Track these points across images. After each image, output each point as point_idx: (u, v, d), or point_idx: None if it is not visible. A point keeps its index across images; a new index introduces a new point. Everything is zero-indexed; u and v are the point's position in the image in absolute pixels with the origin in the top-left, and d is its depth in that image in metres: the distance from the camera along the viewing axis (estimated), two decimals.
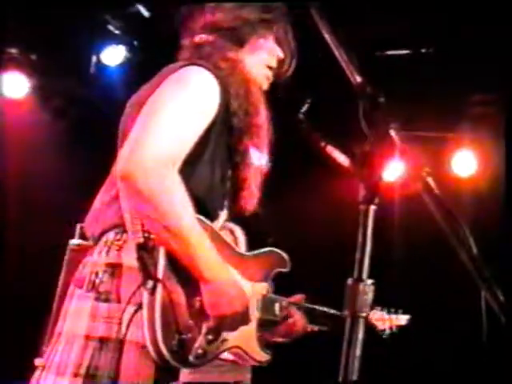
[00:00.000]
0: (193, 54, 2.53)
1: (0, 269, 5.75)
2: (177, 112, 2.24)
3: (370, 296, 1.51)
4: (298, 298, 2.91)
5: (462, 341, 5.65)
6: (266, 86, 2.66)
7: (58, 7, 5.24)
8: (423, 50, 5.69)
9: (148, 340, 2.11)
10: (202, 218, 2.28)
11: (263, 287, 2.61)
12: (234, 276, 2.37)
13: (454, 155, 6.39)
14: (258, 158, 2.55)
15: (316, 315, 3.03)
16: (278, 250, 2.69)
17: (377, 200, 1.53)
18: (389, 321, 4.19)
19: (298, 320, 2.85)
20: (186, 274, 2.20)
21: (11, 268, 5.82)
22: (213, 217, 2.37)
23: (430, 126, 6.07)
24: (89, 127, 6.26)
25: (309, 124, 2.68)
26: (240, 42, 2.56)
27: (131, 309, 2.14)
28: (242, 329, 2.42)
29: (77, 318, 2.24)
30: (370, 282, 1.52)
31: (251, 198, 2.58)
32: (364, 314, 1.49)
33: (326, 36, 1.63)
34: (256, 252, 2.61)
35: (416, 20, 5.22)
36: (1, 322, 5.48)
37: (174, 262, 2.18)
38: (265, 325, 2.65)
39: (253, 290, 2.51)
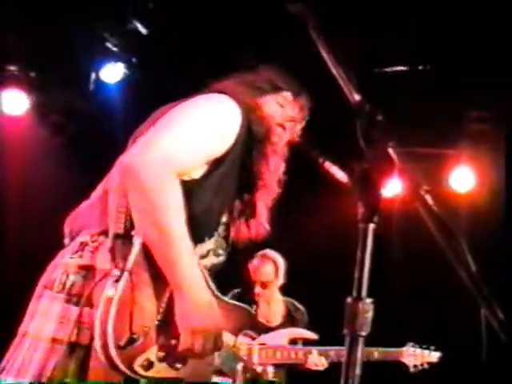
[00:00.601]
0: (217, 87, 2.53)
1: None
2: (196, 128, 2.25)
3: (369, 315, 1.50)
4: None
5: (462, 358, 5.62)
6: (279, 143, 2.60)
7: (56, 25, 5.27)
8: (421, 67, 5.71)
9: (98, 331, 2.03)
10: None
11: (230, 338, 2.47)
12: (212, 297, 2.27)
13: (452, 171, 6.40)
14: (268, 194, 2.55)
15: None
16: (252, 311, 2.62)
17: (376, 218, 1.52)
18: (421, 357, 4.39)
19: None
20: (156, 275, 2.14)
21: (10, 283, 5.81)
22: (197, 240, 2.31)
23: (428, 142, 6.08)
24: (87, 143, 6.27)
25: (307, 141, 2.69)
26: (259, 92, 2.57)
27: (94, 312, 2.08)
28: (196, 367, 2.26)
29: (44, 319, 2.18)
30: (369, 300, 1.51)
31: (260, 225, 2.57)
32: (364, 334, 1.48)
33: (324, 54, 1.63)
34: (232, 302, 2.52)
35: (414, 37, 5.24)
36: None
37: (147, 260, 2.12)
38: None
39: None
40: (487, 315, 1.53)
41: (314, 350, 4.23)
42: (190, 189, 2.22)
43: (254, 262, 4.91)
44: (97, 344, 2.03)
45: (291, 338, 4.14)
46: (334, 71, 1.59)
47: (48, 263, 2.33)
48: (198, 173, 2.28)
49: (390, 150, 1.53)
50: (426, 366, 4.48)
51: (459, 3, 4.87)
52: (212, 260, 2.44)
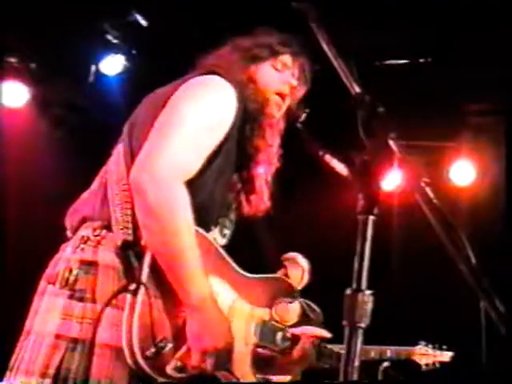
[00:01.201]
0: (209, 61, 2.52)
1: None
2: (192, 125, 2.23)
3: (369, 306, 1.50)
4: (314, 332, 2.69)
5: (461, 351, 5.62)
6: (276, 113, 2.60)
7: (57, 17, 5.26)
8: (422, 60, 5.70)
9: (124, 344, 2.05)
10: (203, 232, 2.26)
11: (265, 313, 2.48)
12: (222, 310, 2.26)
13: (452, 165, 6.39)
14: (266, 169, 2.55)
15: (326, 354, 2.79)
16: (286, 279, 2.61)
17: (376, 210, 1.52)
18: (433, 356, 4.45)
19: (305, 354, 2.62)
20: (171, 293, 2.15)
21: (11, 273, 5.81)
22: (205, 229, 2.31)
23: (428, 135, 6.07)
24: (87, 136, 6.26)
25: (307, 133, 2.68)
26: (254, 61, 2.55)
27: (106, 310, 2.09)
28: (235, 350, 2.30)
29: (48, 315, 2.17)
30: (368, 292, 1.51)
31: (261, 201, 2.56)
32: (363, 325, 1.48)
33: (325, 46, 1.63)
34: (263, 276, 2.53)
35: (415, 30, 5.22)
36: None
37: (160, 270, 2.13)
38: (263, 355, 2.50)
39: (251, 313, 2.42)
40: (487, 308, 1.53)
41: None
42: (191, 182, 2.21)
43: (283, 269, 4.97)
44: (128, 359, 2.06)
45: None
46: (334, 63, 1.59)
47: (50, 257, 2.32)
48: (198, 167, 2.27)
49: (391, 142, 1.53)
50: (437, 364, 4.51)
51: None
52: (220, 242, 2.45)
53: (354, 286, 1.51)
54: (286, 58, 2.60)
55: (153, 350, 2.07)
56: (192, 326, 2.15)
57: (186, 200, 2.13)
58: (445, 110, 5.79)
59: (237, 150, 2.39)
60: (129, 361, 2.06)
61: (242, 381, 2.36)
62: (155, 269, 2.12)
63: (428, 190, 1.56)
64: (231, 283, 2.35)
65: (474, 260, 1.55)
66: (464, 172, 6.37)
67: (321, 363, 2.80)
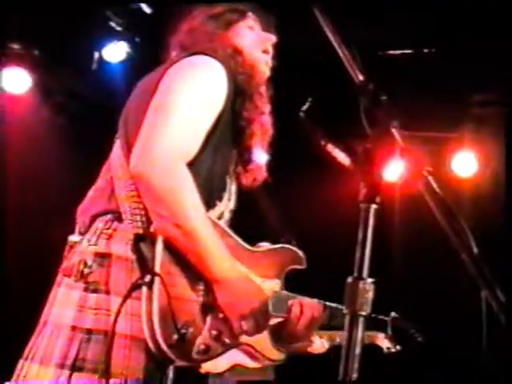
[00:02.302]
0: (187, 38, 2.53)
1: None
2: (187, 106, 2.23)
3: (370, 295, 1.51)
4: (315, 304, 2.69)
5: (462, 340, 5.64)
6: (267, 71, 2.63)
7: (60, 3, 5.24)
8: (425, 50, 5.69)
9: (147, 335, 2.09)
10: (206, 213, 2.27)
11: (275, 284, 2.52)
12: (246, 272, 2.33)
13: (454, 155, 6.39)
14: (262, 138, 2.55)
15: (335, 316, 2.85)
16: (293, 247, 2.63)
17: (378, 199, 1.52)
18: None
19: (316, 316, 2.64)
20: (186, 266, 2.18)
21: (11, 264, 5.82)
22: (209, 206, 2.32)
23: (431, 125, 6.06)
24: (90, 123, 6.25)
25: (309, 122, 2.68)
26: (229, 27, 2.57)
27: (120, 300, 2.11)
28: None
29: (64, 307, 2.19)
30: (370, 280, 1.52)
31: (258, 170, 2.58)
32: (364, 313, 1.48)
33: (329, 34, 1.63)
34: (267, 247, 2.55)
35: (418, 20, 5.21)
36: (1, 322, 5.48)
37: (173, 254, 2.16)
38: (279, 325, 2.55)
39: (262, 286, 2.44)
40: (488, 297, 1.53)
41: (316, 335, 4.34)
42: (191, 161, 2.22)
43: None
44: (153, 349, 2.10)
45: None
46: (338, 51, 1.59)
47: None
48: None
49: (393, 130, 1.53)
50: (398, 347, 4.50)
51: None
52: (226, 217, 2.47)
53: (356, 274, 1.51)
54: (253, 16, 2.63)
55: (176, 337, 2.10)
56: (224, 298, 2.21)
57: (190, 180, 2.14)
58: (447, 101, 5.78)
59: (232, 123, 2.40)
60: (156, 353, 2.10)
61: (263, 353, 2.43)
62: (167, 257, 2.15)
63: (430, 178, 1.56)
64: (239, 259, 2.36)
65: (475, 249, 1.56)
66: (466, 163, 6.37)
67: (332, 323, 2.85)
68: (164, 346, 2.09)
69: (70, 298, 2.20)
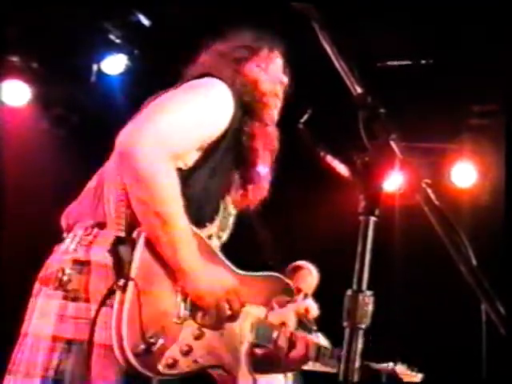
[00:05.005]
0: (197, 69, 2.53)
1: None
2: (189, 112, 2.23)
3: (369, 307, 1.50)
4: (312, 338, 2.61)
5: (462, 352, 5.63)
6: (278, 104, 2.61)
7: (59, 16, 5.26)
8: (423, 62, 5.70)
9: (114, 341, 2.02)
10: (196, 230, 2.24)
11: (261, 311, 2.46)
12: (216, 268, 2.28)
13: (453, 166, 6.39)
14: (264, 163, 2.53)
15: (326, 354, 2.83)
16: (284, 278, 2.58)
17: (377, 211, 1.52)
18: (409, 376, 4.98)
19: (303, 353, 2.60)
20: (166, 274, 2.14)
21: (9, 276, 5.82)
22: (198, 226, 2.29)
23: (430, 136, 6.08)
24: (89, 135, 6.26)
25: (309, 134, 2.68)
26: (238, 64, 2.54)
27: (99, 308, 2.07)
28: (229, 348, 2.30)
29: (43, 317, 2.15)
30: (369, 293, 1.51)
31: (259, 190, 2.55)
32: (363, 326, 1.48)
33: (327, 47, 1.63)
34: (259, 274, 2.49)
35: (416, 31, 5.23)
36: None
37: (153, 260, 2.12)
38: (259, 353, 2.48)
39: (247, 311, 2.39)
40: (488, 310, 1.53)
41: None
42: (186, 176, 2.21)
43: (294, 276, 5.16)
44: (118, 356, 2.03)
45: None
46: (336, 63, 1.59)
47: (46, 257, 2.32)
48: (192, 159, 2.27)
49: (392, 143, 1.53)
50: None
51: None
52: (214, 243, 2.42)
53: (355, 286, 1.51)
54: (263, 53, 2.61)
55: (143, 346, 2.03)
56: (190, 287, 2.16)
57: (171, 169, 2.12)
58: (446, 112, 5.80)
59: (235, 144, 2.39)
60: (120, 358, 2.03)
61: (239, 379, 2.35)
62: (147, 262, 2.11)
63: (429, 191, 1.56)
64: None
65: (474, 261, 1.55)
66: (465, 173, 6.38)
67: (319, 363, 2.82)
68: (129, 354, 2.01)
69: (49, 307, 2.15)
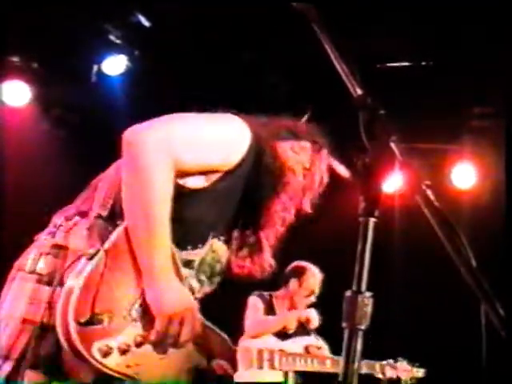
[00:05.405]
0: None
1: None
2: (204, 132, 2.23)
3: (369, 308, 1.50)
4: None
5: (461, 353, 5.63)
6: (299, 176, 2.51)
7: (59, 16, 5.26)
8: (423, 63, 5.70)
9: (60, 304, 1.97)
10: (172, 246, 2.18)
11: (204, 362, 2.31)
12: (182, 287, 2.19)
13: (454, 167, 6.40)
14: (273, 232, 2.49)
15: None
16: (224, 335, 2.40)
17: (377, 213, 1.52)
18: (410, 372, 5.15)
19: None
20: (131, 268, 2.08)
21: (8, 273, 5.80)
22: (179, 246, 2.22)
23: (430, 138, 6.08)
24: (89, 136, 6.26)
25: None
26: (276, 138, 2.45)
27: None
28: (164, 376, 2.17)
29: (15, 299, 2.13)
30: (368, 294, 1.51)
31: (266, 262, 2.50)
32: (362, 327, 1.48)
33: (328, 48, 1.63)
34: (214, 327, 2.35)
35: (416, 33, 5.23)
36: None
37: (125, 249, 2.08)
38: None
39: (191, 353, 2.26)
40: (487, 311, 1.53)
41: (328, 360, 4.68)
42: (184, 196, 2.19)
43: (315, 274, 5.14)
44: (57, 319, 1.97)
45: (305, 346, 4.71)
46: (336, 64, 1.59)
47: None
48: (193, 182, 2.24)
49: (392, 144, 1.53)
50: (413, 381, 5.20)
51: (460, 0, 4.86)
52: (193, 287, 2.32)
53: (354, 287, 1.50)
54: (306, 145, 2.52)
55: (88, 316, 1.96)
56: (152, 293, 2.08)
57: (169, 171, 2.11)
58: (446, 113, 5.80)
59: (242, 196, 2.36)
60: (59, 328, 1.96)
61: None
62: (120, 246, 2.08)
63: (429, 192, 1.56)
64: None
65: (474, 262, 1.55)
66: (465, 175, 6.38)
67: None
68: (71, 319, 1.94)
69: (22, 290, 2.13)
